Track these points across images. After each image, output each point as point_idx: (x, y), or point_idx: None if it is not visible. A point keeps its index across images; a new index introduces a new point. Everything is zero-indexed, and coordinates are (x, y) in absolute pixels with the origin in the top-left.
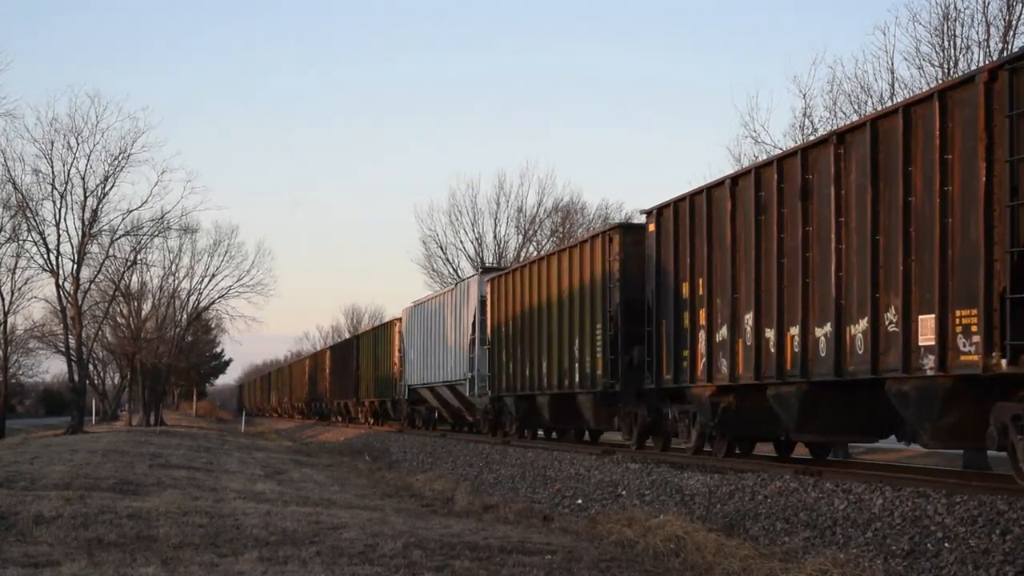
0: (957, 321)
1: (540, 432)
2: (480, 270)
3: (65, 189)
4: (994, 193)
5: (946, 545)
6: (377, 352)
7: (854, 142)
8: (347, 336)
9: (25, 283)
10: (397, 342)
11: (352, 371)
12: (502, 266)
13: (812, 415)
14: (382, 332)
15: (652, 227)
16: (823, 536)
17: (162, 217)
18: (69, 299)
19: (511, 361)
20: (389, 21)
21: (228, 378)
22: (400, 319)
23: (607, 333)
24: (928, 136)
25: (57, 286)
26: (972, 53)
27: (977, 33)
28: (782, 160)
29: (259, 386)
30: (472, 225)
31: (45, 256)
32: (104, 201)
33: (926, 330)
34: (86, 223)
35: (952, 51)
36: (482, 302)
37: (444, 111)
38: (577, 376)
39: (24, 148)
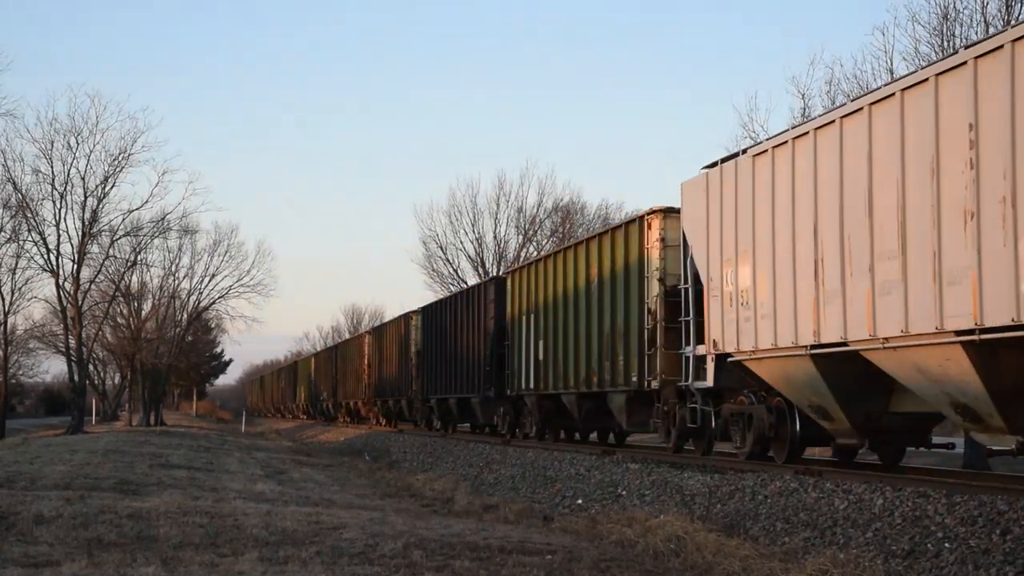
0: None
1: None
2: None
3: (65, 189)
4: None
5: (946, 545)
6: (564, 295)
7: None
8: (347, 335)
9: (25, 283)
10: (656, 262)
11: (469, 345)
12: None
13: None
14: (610, 245)
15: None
16: (823, 536)
17: (163, 218)
18: (69, 299)
19: None
20: (389, 21)
21: (228, 378)
22: (663, 213)
23: None
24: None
25: (57, 286)
26: None
27: (976, 33)
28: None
29: (274, 382)
30: (472, 225)
31: (45, 256)
32: (104, 201)
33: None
34: (86, 223)
35: (952, 51)
36: None
37: (444, 111)
38: None
39: (24, 148)
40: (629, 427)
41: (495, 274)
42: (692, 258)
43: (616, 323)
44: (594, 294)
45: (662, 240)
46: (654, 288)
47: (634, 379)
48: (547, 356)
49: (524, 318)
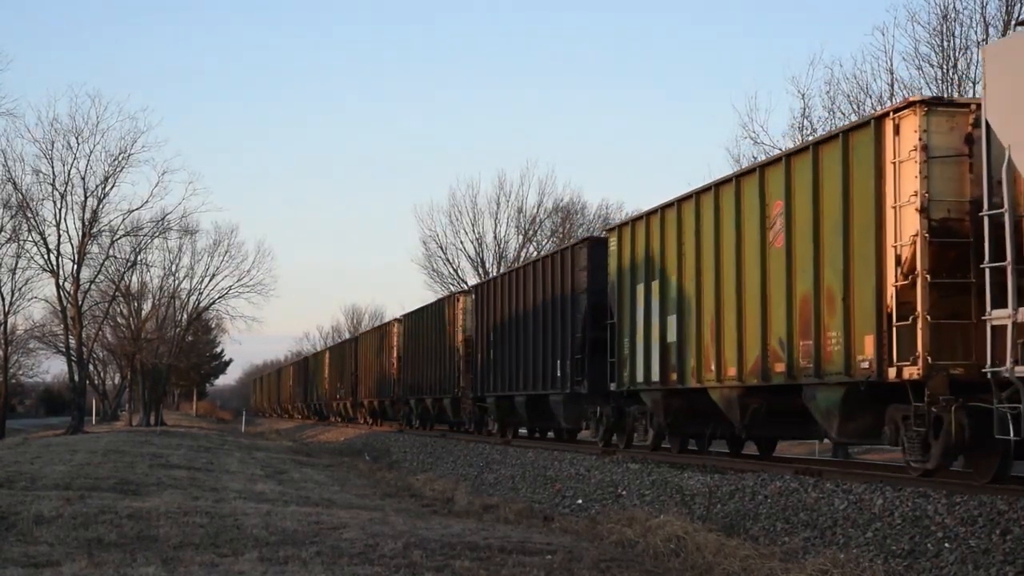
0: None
1: None
2: None
3: (65, 189)
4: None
5: (946, 545)
6: None
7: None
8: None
9: (25, 283)
10: (912, 183)
11: (548, 328)
12: None
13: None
14: (810, 167)
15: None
16: (823, 536)
17: (163, 218)
18: (69, 299)
19: None
20: (389, 21)
21: (228, 378)
22: (924, 106)
23: None
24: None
25: (57, 286)
26: (971, 53)
27: (976, 33)
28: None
29: (281, 380)
30: (472, 225)
31: (45, 256)
32: (104, 201)
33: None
34: (86, 223)
35: (951, 51)
36: None
37: (444, 111)
38: None
39: (24, 148)
40: (842, 437)
41: (583, 238)
42: (1011, 164)
43: (823, 281)
44: (776, 243)
45: (923, 148)
46: (909, 224)
47: (864, 366)
48: (684, 337)
49: (640, 288)
